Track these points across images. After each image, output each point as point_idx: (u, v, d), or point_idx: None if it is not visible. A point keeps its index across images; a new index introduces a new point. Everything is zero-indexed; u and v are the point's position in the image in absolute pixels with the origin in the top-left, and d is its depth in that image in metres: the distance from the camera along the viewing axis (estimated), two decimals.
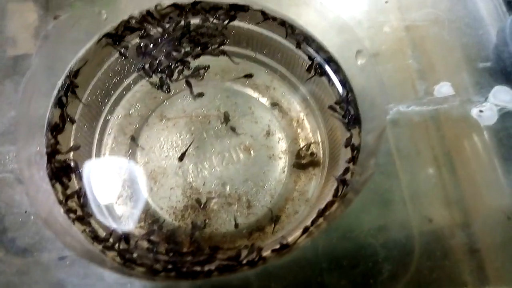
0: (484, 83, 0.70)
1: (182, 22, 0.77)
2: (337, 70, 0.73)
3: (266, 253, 0.63)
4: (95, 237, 0.63)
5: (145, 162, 0.77)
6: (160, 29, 0.77)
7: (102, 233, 0.66)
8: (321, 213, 0.65)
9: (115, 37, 0.75)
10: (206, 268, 0.62)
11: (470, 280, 0.60)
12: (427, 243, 0.60)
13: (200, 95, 0.81)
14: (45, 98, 0.69)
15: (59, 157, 0.68)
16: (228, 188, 0.76)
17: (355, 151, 0.67)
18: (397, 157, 0.66)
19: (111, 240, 0.65)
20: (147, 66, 0.79)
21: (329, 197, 0.67)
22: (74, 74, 0.71)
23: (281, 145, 0.79)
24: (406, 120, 0.68)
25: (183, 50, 0.79)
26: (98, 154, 0.77)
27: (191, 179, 0.76)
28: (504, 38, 0.71)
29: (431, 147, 0.67)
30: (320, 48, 0.74)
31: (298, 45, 0.76)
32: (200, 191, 0.76)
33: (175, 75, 0.81)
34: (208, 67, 0.82)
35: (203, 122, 0.80)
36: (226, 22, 0.78)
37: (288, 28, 0.76)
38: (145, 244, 0.68)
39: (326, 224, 0.62)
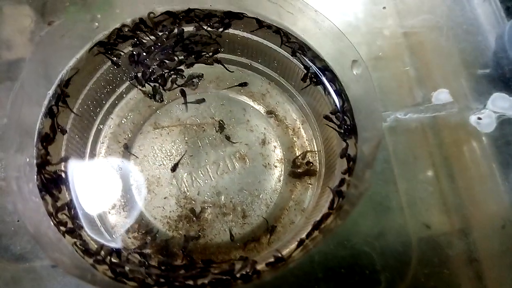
0: (483, 90, 0.70)
1: (176, 30, 0.76)
2: (333, 79, 0.71)
3: (260, 266, 0.62)
4: (86, 250, 0.62)
5: (138, 171, 0.76)
6: (153, 37, 0.76)
7: (93, 246, 0.65)
8: (316, 226, 0.64)
9: (107, 46, 0.74)
10: (199, 282, 0.61)
11: None
12: (424, 250, 0.60)
13: (201, 101, 0.80)
14: (36, 106, 0.68)
15: (50, 168, 0.67)
16: (223, 197, 0.75)
17: (351, 162, 0.66)
18: (395, 164, 0.66)
19: (102, 253, 0.63)
20: (139, 74, 0.78)
21: (325, 209, 0.66)
22: (65, 84, 0.70)
23: (276, 153, 0.78)
24: (404, 127, 0.67)
25: (176, 59, 0.78)
26: (90, 164, 0.76)
27: (185, 189, 0.75)
28: (502, 44, 0.70)
29: (429, 154, 0.67)
30: (315, 57, 0.73)
31: (294, 53, 0.75)
32: (195, 200, 0.75)
33: (169, 84, 0.80)
34: (202, 75, 0.81)
35: (198, 130, 0.79)
36: (220, 30, 0.77)
37: (283, 36, 0.75)
38: (137, 257, 0.67)
39: (322, 237, 0.61)
